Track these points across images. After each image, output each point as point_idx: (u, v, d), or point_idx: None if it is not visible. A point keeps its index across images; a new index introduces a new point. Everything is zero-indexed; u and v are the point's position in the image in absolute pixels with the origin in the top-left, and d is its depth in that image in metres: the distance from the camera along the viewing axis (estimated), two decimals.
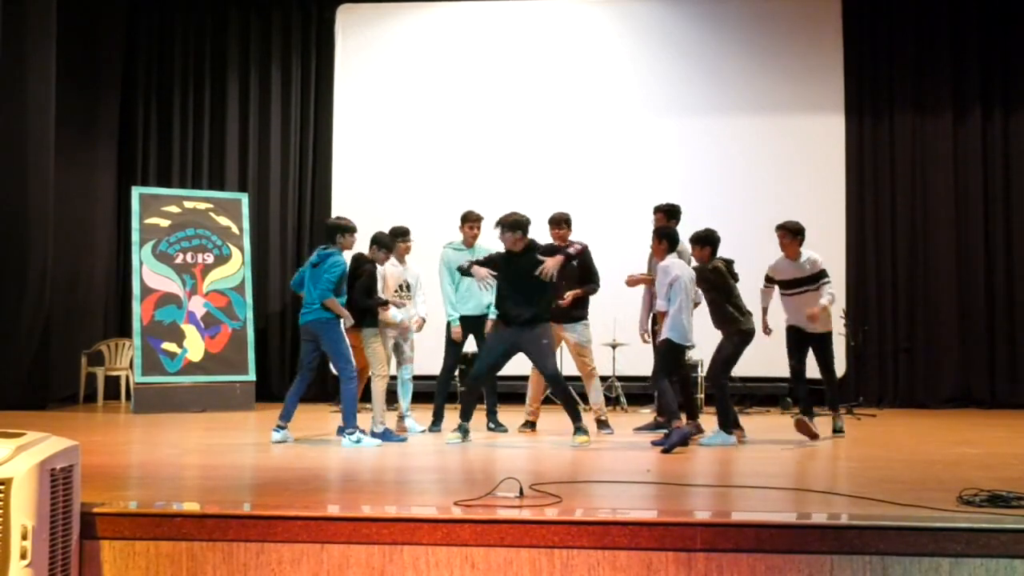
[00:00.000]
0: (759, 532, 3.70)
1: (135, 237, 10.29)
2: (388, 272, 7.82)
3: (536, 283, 6.96)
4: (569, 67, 11.70)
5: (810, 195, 11.21)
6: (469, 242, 8.22)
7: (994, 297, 10.97)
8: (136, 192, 10.50)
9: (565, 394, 7.12)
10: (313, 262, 7.20)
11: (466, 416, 7.17)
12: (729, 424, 7.17)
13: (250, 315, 10.62)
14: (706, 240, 7.43)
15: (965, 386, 10.88)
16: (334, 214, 11.81)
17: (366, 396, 7.61)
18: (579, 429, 6.98)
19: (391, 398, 7.79)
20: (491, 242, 8.03)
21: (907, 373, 11.07)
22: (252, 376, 10.45)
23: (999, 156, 11.10)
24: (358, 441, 6.91)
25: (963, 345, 10.88)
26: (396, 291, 7.87)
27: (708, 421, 7.69)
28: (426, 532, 3.78)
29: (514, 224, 7.06)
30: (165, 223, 10.43)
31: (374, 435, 7.15)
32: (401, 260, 8.02)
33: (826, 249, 10.99)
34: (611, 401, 10.52)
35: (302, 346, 7.27)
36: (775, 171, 11.31)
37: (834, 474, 5.62)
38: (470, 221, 8.23)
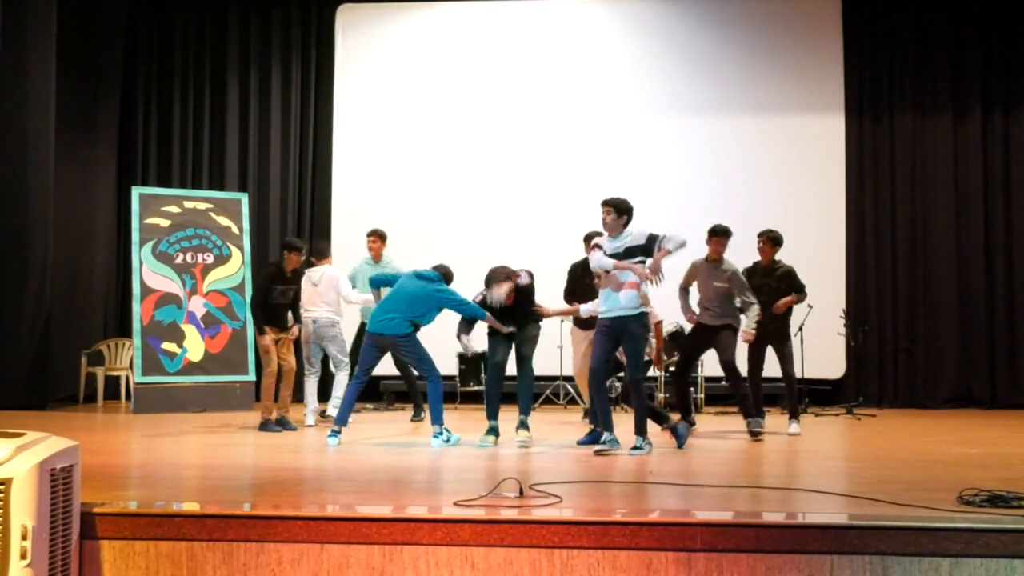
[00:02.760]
0: (759, 532, 3.70)
1: (135, 237, 10.29)
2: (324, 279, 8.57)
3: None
4: (569, 67, 11.70)
5: (810, 195, 11.23)
6: (376, 257, 8.96)
7: (994, 297, 10.96)
8: (136, 192, 10.50)
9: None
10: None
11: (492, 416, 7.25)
12: (797, 414, 7.81)
13: (250, 315, 10.61)
14: (778, 241, 8.00)
15: (965, 386, 10.87)
16: (334, 214, 11.84)
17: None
18: (523, 424, 7.22)
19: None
20: (400, 255, 9.24)
21: (907, 373, 11.07)
22: (252, 376, 10.43)
23: (999, 156, 11.10)
24: (448, 440, 6.92)
25: (963, 345, 10.88)
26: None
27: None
28: (426, 532, 3.77)
29: (502, 276, 7.14)
30: (165, 223, 10.42)
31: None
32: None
33: (826, 249, 11.09)
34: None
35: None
36: (775, 171, 11.31)
37: (834, 474, 5.62)
38: (373, 236, 8.93)
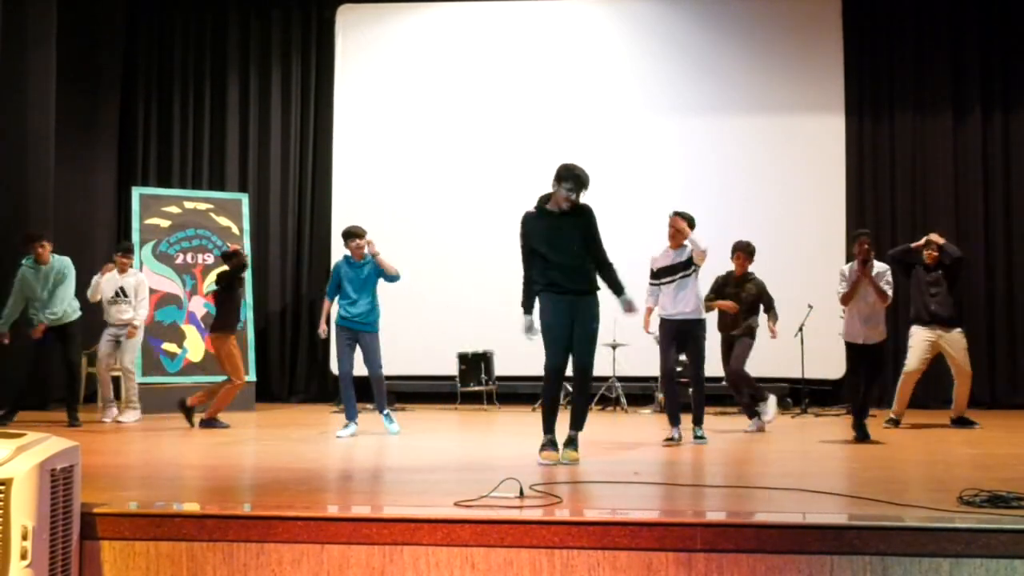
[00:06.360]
0: (759, 532, 3.69)
1: (135, 237, 10.30)
2: (104, 280, 9.19)
3: (580, 251, 5.99)
4: (569, 67, 11.70)
5: (810, 195, 11.23)
6: (44, 260, 8.96)
7: (994, 298, 10.96)
8: (136, 192, 10.51)
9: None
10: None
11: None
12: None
13: (250, 315, 10.62)
14: (752, 252, 8.47)
15: None
16: (334, 214, 11.84)
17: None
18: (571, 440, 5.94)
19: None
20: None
21: None
22: (252, 376, 10.44)
23: (999, 156, 11.10)
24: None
25: None
26: (112, 297, 9.08)
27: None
28: (426, 532, 3.77)
29: (576, 179, 6.00)
30: (165, 223, 10.44)
31: None
32: (123, 271, 9.14)
33: (826, 249, 11.07)
34: (611, 401, 10.53)
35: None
36: (775, 171, 11.31)
37: (834, 474, 5.62)
38: (37, 240, 8.94)
